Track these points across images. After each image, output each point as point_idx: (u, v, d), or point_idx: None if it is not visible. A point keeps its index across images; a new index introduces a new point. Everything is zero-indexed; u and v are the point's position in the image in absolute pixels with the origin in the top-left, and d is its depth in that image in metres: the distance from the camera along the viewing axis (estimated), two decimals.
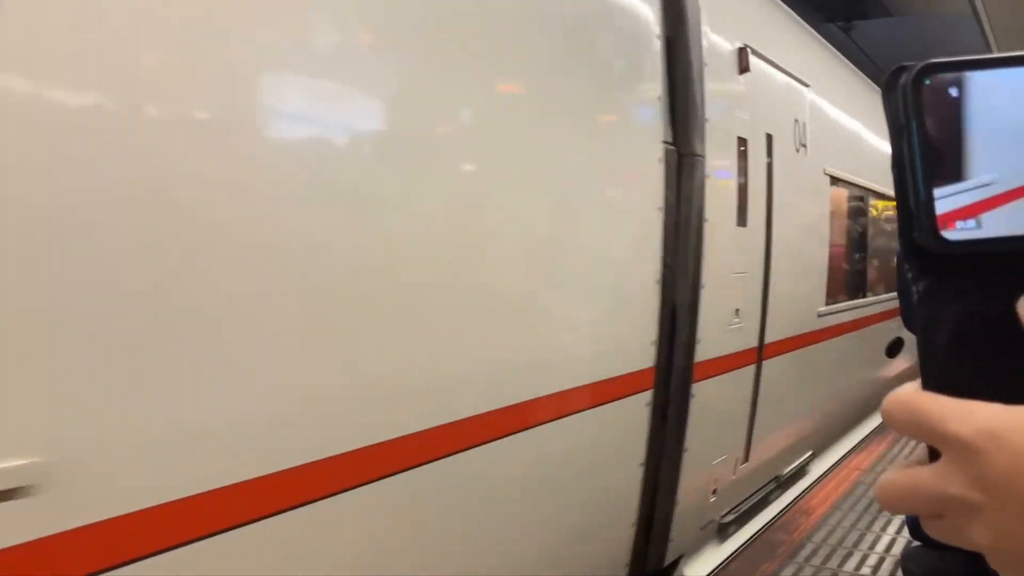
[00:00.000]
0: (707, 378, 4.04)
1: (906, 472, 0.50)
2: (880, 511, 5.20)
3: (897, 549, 4.53)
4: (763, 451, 5.05)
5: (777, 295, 4.87)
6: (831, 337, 6.21)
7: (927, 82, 0.48)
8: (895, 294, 7.73)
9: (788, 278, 5.14)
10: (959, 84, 0.48)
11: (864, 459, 6.53)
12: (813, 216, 5.89)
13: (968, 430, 0.45)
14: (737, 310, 4.37)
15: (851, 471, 6.18)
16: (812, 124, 5.60)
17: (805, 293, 5.71)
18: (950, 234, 0.48)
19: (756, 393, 4.79)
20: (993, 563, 0.47)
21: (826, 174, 6.03)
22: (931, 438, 0.48)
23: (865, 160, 7.35)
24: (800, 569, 4.31)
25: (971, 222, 0.47)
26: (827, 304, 6.10)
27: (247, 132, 1.88)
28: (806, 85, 5.52)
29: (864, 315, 7.33)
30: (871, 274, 7.88)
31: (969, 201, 0.48)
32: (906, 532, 4.57)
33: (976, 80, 0.48)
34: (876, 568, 4.34)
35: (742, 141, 4.43)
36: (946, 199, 0.48)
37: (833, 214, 6.42)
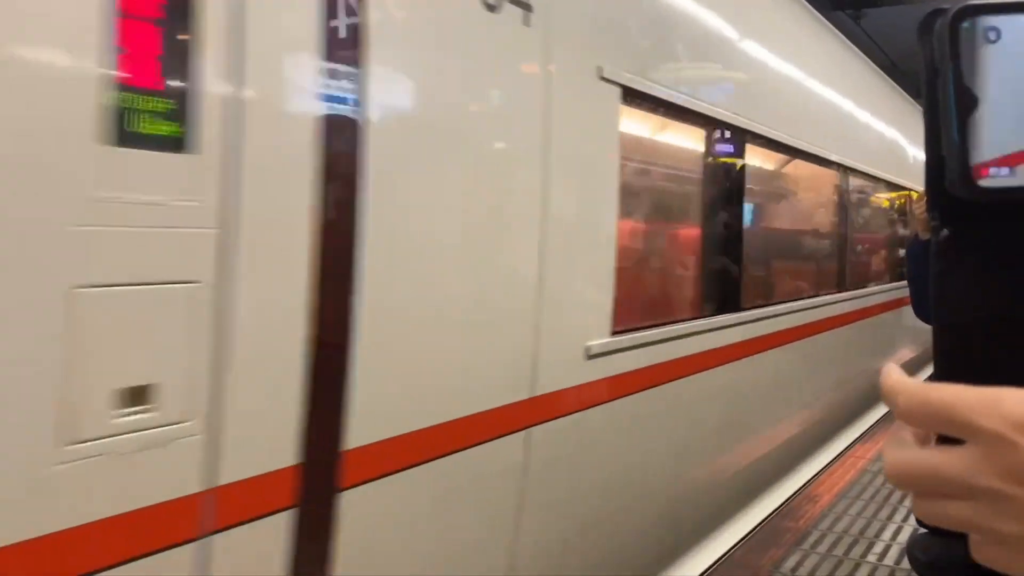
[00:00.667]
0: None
1: (925, 454, 0.48)
2: (886, 499, 5.22)
3: (903, 537, 4.55)
4: None
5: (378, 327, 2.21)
6: (624, 395, 3.42)
7: (964, 25, 0.46)
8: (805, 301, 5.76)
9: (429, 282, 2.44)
10: (996, 28, 0.46)
11: (870, 448, 6.54)
12: (563, 161, 2.94)
13: (997, 422, 0.44)
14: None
15: (856, 460, 6.19)
16: None
17: (531, 314, 2.85)
18: (983, 181, 0.46)
19: None
20: (1014, 551, 0.46)
21: (607, 80, 3.16)
22: (953, 430, 0.46)
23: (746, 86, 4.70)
24: (806, 556, 4.34)
25: (1004, 170, 0.46)
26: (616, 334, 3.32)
27: None
28: None
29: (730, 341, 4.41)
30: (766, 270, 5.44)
31: (1005, 150, 0.46)
32: (911, 520, 4.59)
33: (1014, 24, 0.46)
34: (882, 555, 4.36)
35: None
36: (979, 148, 0.46)
37: (643, 173, 3.93)
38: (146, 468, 1.69)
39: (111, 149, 1.59)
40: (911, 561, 3.06)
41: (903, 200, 9.18)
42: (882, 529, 4.73)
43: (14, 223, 1.49)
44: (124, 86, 1.60)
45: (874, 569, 4.20)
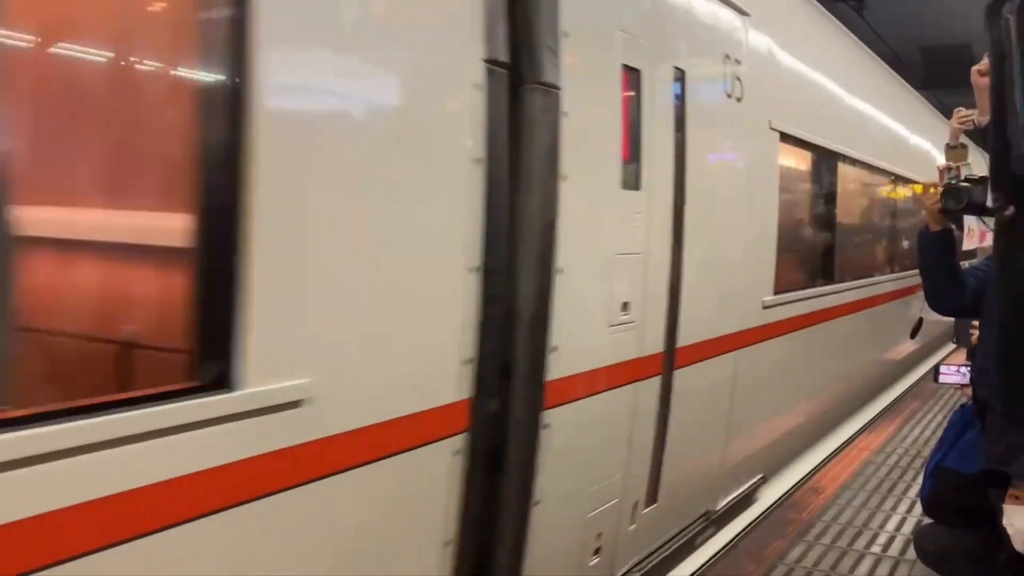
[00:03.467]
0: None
1: None
2: (890, 490, 5.24)
3: (907, 528, 4.57)
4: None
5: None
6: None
7: None
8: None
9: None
10: None
11: (874, 439, 6.56)
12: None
13: None
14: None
15: (860, 451, 6.20)
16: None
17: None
18: None
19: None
20: None
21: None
22: None
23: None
24: (810, 547, 4.35)
25: None
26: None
27: None
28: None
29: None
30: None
31: None
32: (916, 511, 4.60)
33: None
34: (886, 547, 4.37)
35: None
36: None
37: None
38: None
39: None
40: (918, 552, 3.11)
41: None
42: (886, 520, 4.75)
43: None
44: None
45: (878, 560, 4.21)
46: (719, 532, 4.55)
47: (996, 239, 0.42)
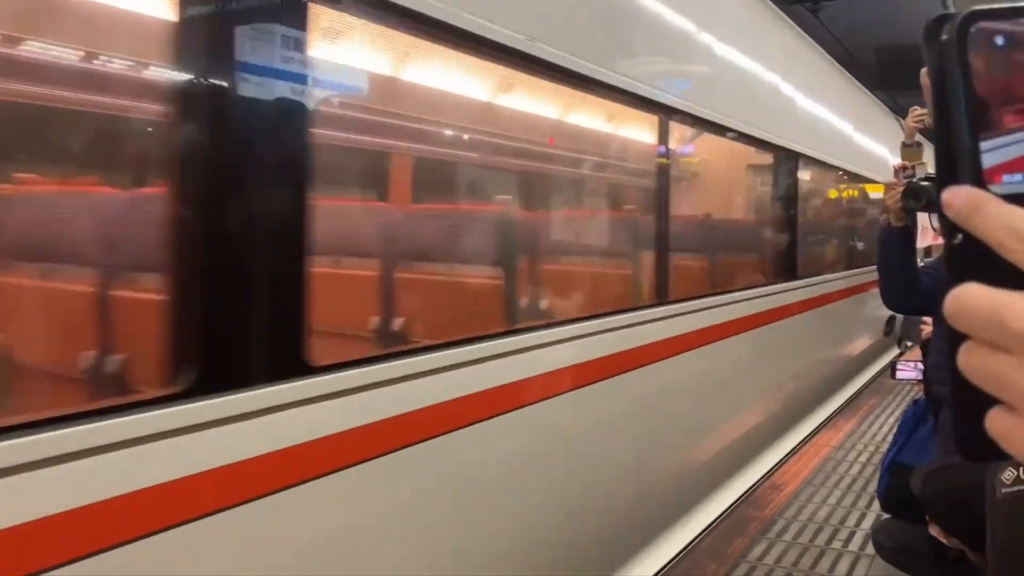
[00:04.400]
0: None
1: (995, 294, 0.44)
2: (850, 487, 5.28)
3: (867, 523, 4.60)
4: None
5: None
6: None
7: (972, 30, 0.46)
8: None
9: None
10: (1005, 33, 0.46)
11: (833, 436, 6.62)
12: None
13: None
14: None
15: (820, 447, 6.26)
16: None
17: None
18: (996, 188, 0.45)
19: None
20: None
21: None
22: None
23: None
24: (772, 544, 4.37)
25: (1018, 176, 0.45)
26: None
27: None
28: None
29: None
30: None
31: (1017, 154, 0.46)
32: (875, 507, 4.64)
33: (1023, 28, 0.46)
34: (847, 542, 4.40)
35: None
36: (992, 152, 0.46)
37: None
38: None
39: None
40: (877, 547, 3.10)
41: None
42: (847, 516, 4.78)
43: None
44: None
45: (839, 555, 4.24)
46: (681, 531, 4.55)
47: (946, 268, 0.41)
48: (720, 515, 4.78)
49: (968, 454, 0.47)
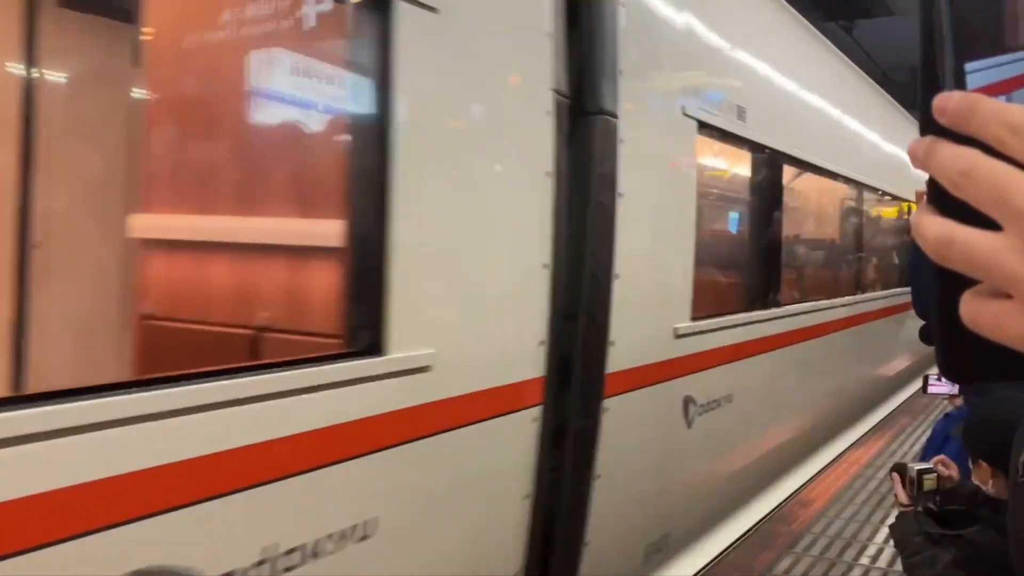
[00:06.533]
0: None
1: (962, 231, 0.43)
2: (879, 503, 5.22)
3: None
4: None
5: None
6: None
7: None
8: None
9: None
10: None
11: (863, 454, 6.54)
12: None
13: None
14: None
15: (850, 465, 6.19)
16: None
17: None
18: None
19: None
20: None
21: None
22: (993, 208, 0.42)
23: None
24: (798, 559, 4.33)
25: (1002, 98, 0.44)
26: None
27: None
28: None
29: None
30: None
31: (1002, 76, 0.44)
32: None
33: None
34: (875, 558, 4.35)
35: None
36: (978, 73, 0.44)
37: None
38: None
39: None
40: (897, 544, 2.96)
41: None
42: (875, 532, 4.73)
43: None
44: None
45: (866, 572, 4.19)
46: (706, 544, 4.52)
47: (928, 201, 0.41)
48: (747, 530, 4.74)
49: (952, 373, 0.47)
